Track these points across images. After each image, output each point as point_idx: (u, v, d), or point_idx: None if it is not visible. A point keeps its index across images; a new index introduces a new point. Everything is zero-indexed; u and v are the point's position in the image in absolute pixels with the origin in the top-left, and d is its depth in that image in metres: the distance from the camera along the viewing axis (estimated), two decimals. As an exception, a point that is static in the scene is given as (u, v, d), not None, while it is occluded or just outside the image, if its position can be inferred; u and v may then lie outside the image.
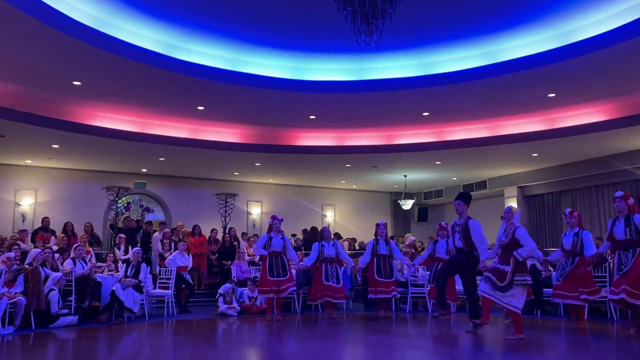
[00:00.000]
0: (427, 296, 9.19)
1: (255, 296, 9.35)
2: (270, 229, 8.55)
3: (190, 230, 11.88)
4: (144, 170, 14.16)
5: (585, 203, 13.78)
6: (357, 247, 13.52)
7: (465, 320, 7.26)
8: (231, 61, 8.63)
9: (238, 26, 7.83)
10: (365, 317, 8.76)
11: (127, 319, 8.32)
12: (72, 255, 8.81)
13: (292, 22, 7.70)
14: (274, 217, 8.59)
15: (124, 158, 12.55)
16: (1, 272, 7.25)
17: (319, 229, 10.23)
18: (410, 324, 8.14)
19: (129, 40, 7.62)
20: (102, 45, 7.39)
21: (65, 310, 7.78)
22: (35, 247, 9.26)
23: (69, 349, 6.52)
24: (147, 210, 14.73)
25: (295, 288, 8.62)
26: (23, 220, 12.83)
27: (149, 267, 9.37)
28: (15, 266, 7.56)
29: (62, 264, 8.60)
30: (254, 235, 12.91)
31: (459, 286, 7.93)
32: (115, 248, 10.88)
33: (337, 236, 13.54)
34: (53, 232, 11.22)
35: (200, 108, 10.10)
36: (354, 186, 17.26)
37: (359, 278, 9.85)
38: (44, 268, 7.95)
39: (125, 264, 8.90)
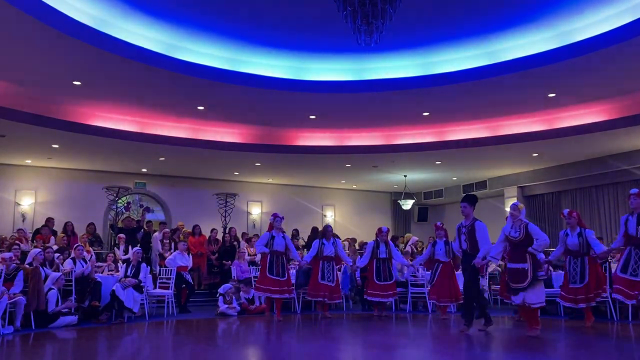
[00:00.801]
0: (427, 296, 9.19)
1: (250, 297, 9.35)
2: (271, 227, 8.54)
3: (190, 230, 11.89)
4: (144, 170, 14.16)
5: (585, 203, 13.78)
6: (357, 247, 13.51)
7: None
8: (231, 61, 8.63)
9: (238, 26, 7.83)
10: (365, 317, 8.76)
11: (127, 318, 8.32)
12: (72, 255, 8.81)
13: (292, 22, 7.70)
14: (275, 215, 8.58)
15: (124, 158, 12.55)
16: (1, 271, 7.24)
17: (319, 229, 10.24)
18: (410, 324, 8.14)
19: (129, 40, 7.62)
20: (102, 45, 7.39)
21: (66, 307, 7.77)
22: (35, 247, 9.26)
23: (69, 349, 6.51)
24: (147, 210, 14.74)
25: (289, 295, 8.56)
26: (23, 220, 12.84)
27: (149, 267, 9.37)
28: (14, 265, 7.56)
29: (62, 263, 8.60)
30: (254, 235, 12.92)
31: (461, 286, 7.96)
32: (115, 248, 10.88)
33: (335, 236, 13.49)
34: (55, 233, 11.22)
35: (200, 108, 10.10)
36: (354, 186, 17.27)
37: (358, 278, 9.84)
38: (44, 268, 7.96)
39: (125, 264, 8.90)
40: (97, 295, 8.38)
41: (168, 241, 10.70)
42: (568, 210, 7.58)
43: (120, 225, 12.10)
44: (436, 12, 7.33)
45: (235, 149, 11.81)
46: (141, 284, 8.59)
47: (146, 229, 12.00)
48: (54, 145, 11.30)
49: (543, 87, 8.92)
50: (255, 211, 16.04)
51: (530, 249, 6.27)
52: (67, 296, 8.06)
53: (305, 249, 12.75)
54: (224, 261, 11.17)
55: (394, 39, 7.92)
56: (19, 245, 8.84)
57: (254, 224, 15.81)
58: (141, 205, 14.82)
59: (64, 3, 6.78)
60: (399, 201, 16.41)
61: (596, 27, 7.34)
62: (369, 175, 15.21)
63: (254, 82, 8.82)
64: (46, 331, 7.24)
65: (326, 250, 8.77)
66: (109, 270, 9.38)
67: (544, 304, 6.43)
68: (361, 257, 9.37)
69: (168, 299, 9.16)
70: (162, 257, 10.19)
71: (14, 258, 7.71)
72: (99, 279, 8.60)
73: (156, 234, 11.30)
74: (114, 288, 8.25)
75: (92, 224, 12.03)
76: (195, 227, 11.66)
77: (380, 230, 9.08)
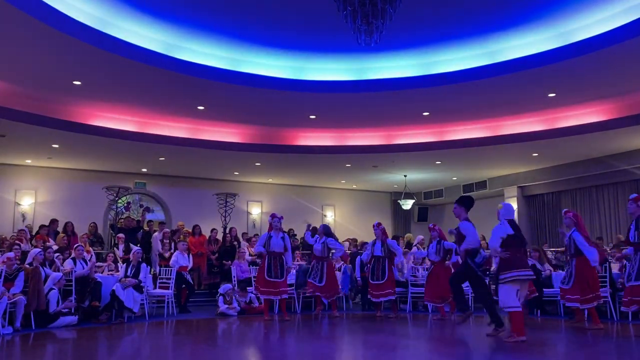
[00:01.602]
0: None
1: (248, 300, 9.35)
2: (270, 228, 8.53)
3: (190, 230, 11.88)
4: (144, 170, 14.16)
5: (585, 203, 13.79)
6: (357, 247, 13.50)
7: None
8: (231, 61, 8.63)
9: (238, 26, 7.83)
10: (364, 317, 8.75)
11: (127, 318, 8.32)
12: (72, 255, 8.80)
13: (292, 22, 7.70)
14: (273, 216, 8.56)
15: (124, 158, 12.55)
16: (1, 272, 7.24)
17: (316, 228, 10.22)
18: (410, 324, 8.14)
19: (129, 40, 7.62)
20: (102, 45, 7.40)
21: (66, 307, 7.77)
22: (35, 246, 9.25)
23: (69, 349, 6.51)
24: (147, 210, 14.74)
25: (287, 296, 8.54)
26: (23, 220, 12.83)
27: (149, 267, 9.36)
28: (15, 266, 7.56)
29: (62, 263, 8.59)
30: (255, 235, 12.92)
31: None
32: (114, 248, 10.87)
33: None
34: (57, 233, 11.20)
35: (200, 108, 10.10)
36: (354, 186, 17.27)
37: (358, 278, 9.84)
38: (44, 268, 7.96)
39: (125, 264, 8.90)
40: (97, 295, 8.38)
41: (168, 241, 10.70)
42: (565, 210, 7.59)
43: (120, 225, 12.09)
44: (436, 12, 7.33)
45: (235, 149, 11.81)
46: (141, 284, 8.59)
47: (146, 229, 11.99)
48: (54, 145, 11.30)
49: (543, 87, 8.92)
50: (255, 211, 16.04)
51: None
52: (67, 296, 8.06)
53: (301, 248, 12.76)
54: (224, 261, 11.17)
55: (394, 39, 7.91)
56: (19, 245, 8.83)
57: (254, 224, 15.81)
58: (141, 205, 14.82)
59: (64, 3, 6.78)
60: (399, 201, 16.41)
61: (596, 27, 7.34)
62: (369, 175, 15.21)
63: (254, 82, 8.82)
64: (46, 331, 7.24)
65: (315, 249, 8.83)
66: (109, 270, 9.38)
67: (515, 308, 5.95)
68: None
69: (168, 299, 9.16)
70: (162, 257, 10.19)
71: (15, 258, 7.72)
72: (99, 279, 8.60)
73: (156, 234, 11.29)
74: (114, 288, 8.24)
75: (94, 223, 12.03)
76: (195, 227, 11.66)
77: (373, 226, 9.10)
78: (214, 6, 7.25)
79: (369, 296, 8.96)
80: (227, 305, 9.08)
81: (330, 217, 17.18)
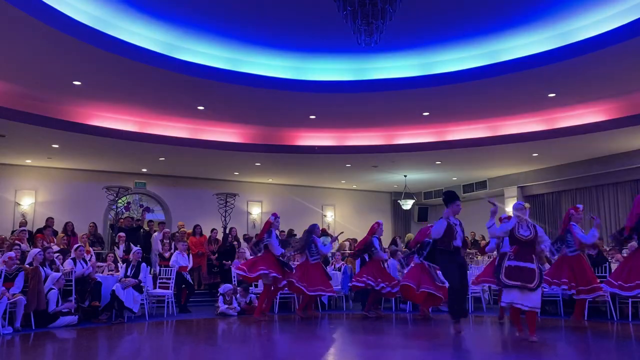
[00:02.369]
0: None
1: (248, 301, 9.36)
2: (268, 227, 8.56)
3: (190, 230, 11.88)
4: (144, 170, 14.16)
5: (585, 203, 13.76)
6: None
7: (465, 321, 7.25)
8: (231, 61, 8.63)
9: (238, 26, 7.83)
10: (364, 317, 8.75)
11: (127, 318, 8.32)
12: (72, 255, 8.80)
13: (292, 22, 7.70)
14: (275, 216, 8.58)
15: (124, 158, 12.55)
16: (1, 272, 7.24)
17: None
18: (410, 323, 8.14)
19: (129, 40, 7.62)
20: (102, 45, 7.39)
21: (66, 308, 7.77)
22: (35, 246, 9.25)
23: (69, 348, 6.52)
24: (147, 210, 14.74)
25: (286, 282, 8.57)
26: (20, 225, 12.78)
27: (149, 267, 9.37)
28: (15, 266, 7.56)
29: (62, 263, 8.60)
30: (256, 235, 12.90)
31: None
32: (114, 248, 10.87)
33: (324, 232, 13.42)
34: (55, 233, 11.20)
35: (200, 108, 10.10)
36: (354, 186, 17.27)
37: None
38: (44, 268, 7.96)
39: (125, 264, 8.90)
40: (97, 295, 8.39)
41: (168, 241, 10.70)
42: (581, 205, 7.74)
43: (120, 225, 12.09)
44: (436, 12, 7.33)
45: (235, 149, 11.81)
46: (141, 284, 8.59)
47: (146, 228, 11.98)
48: (54, 145, 11.30)
49: (543, 87, 8.92)
50: (255, 211, 16.04)
51: (543, 246, 6.22)
52: (67, 296, 8.07)
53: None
54: (224, 261, 11.17)
55: (394, 39, 7.92)
56: (19, 245, 8.84)
57: (254, 224, 15.81)
58: (141, 205, 14.82)
59: (64, 3, 6.78)
60: (399, 201, 16.41)
61: (596, 27, 7.34)
62: (369, 175, 15.21)
63: (254, 82, 8.82)
64: (46, 331, 7.24)
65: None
66: (109, 270, 9.38)
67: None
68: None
69: (168, 299, 9.16)
70: (162, 257, 10.19)
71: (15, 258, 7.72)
72: (99, 279, 8.60)
73: (156, 233, 11.30)
74: (114, 288, 8.24)
75: (93, 223, 12.03)
76: (196, 226, 11.66)
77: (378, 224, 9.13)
78: (214, 6, 7.24)
79: (350, 282, 9.03)
80: (227, 305, 9.09)
81: (330, 217, 17.19)
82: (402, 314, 9.12)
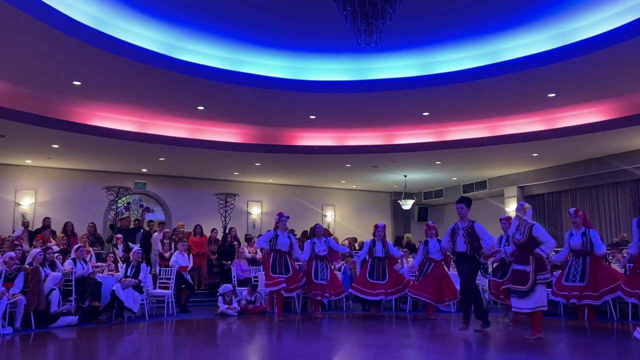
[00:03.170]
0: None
1: (253, 299, 9.36)
2: (276, 227, 8.56)
3: (190, 230, 11.88)
4: (144, 170, 14.16)
5: (585, 203, 13.78)
6: (357, 247, 13.52)
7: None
8: (231, 61, 8.63)
9: (238, 26, 7.83)
10: (364, 317, 8.75)
11: (127, 319, 8.32)
12: (72, 255, 8.80)
13: (292, 22, 7.70)
14: (280, 215, 8.59)
15: (124, 158, 12.55)
16: (1, 272, 7.24)
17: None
18: (410, 323, 8.14)
19: (129, 40, 7.62)
20: (102, 45, 7.40)
21: (66, 309, 7.77)
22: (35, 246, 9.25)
23: (69, 349, 6.52)
24: (147, 210, 14.74)
25: (296, 292, 8.67)
26: (19, 227, 12.78)
27: (149, 267, 9.37)
28: (15, 266, 7.56)
29: (62, 264, 8.59)
30: (258, 236, 12.90)
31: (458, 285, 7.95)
32: (114, 247, 10.87)
33: (327, 233, 13.47)
34: (54, 233, 11.20)
35: (200, 108, 10.10)
36: (354, 186, 17.27)
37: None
38: (44, 268, 7.95)
39: (125, 264, 8.90)
40: (97, 296, 8.38)
41: (168, 241, 10.70)
42: (574, 209, 7.58)
43: (120, 225, 12.10)
44: (436, 12, 7.33)
45: (235, 149, 11.82)
46: (141, 284, 8.59)
47: (146, 229, 11.98)
48: (54, 145, 11.30)
49: (543, 87, 8.92)
50: (255, 211, 16.04)
51: (538, 250, 6.14)
52: (68, 296, 8.06)
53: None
54: (224, 261, 11.17)
55: (394, 39, 7.92)
56: (20, 245, 8.84)
57: (254, 224, 15.81)
58: (141, 206, 14.82)
59: (64, 3, 6.78)
60: (399, 201, 16.41)
61: (596, 27, 7.34)
62: (369, 175, 15.21)
63: (254, 82, 8.82)
64: (46, 331, 7.24)
65: (317, 249, 8.78)
66: (109, 270, 9.37)
67: (545, 307, 6.26)
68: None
69: (168, 299, 9.16)
70: (162, 257, 10.20)
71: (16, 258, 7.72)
72: (99, 279, 8.60)
73: (156, 233, 11.30)
74: (114, 288, 8.24)
75: (92, 223, 12.03)
76: (196, 226, 11.67)
77: (376, 226, 9.09)
78: (214, 6, 7.25)
79: (350, 290, 9.03)
80: (227, 305, 9.09)
81: (330, 217, 17.18)
82: (402, 314, 9.12)
